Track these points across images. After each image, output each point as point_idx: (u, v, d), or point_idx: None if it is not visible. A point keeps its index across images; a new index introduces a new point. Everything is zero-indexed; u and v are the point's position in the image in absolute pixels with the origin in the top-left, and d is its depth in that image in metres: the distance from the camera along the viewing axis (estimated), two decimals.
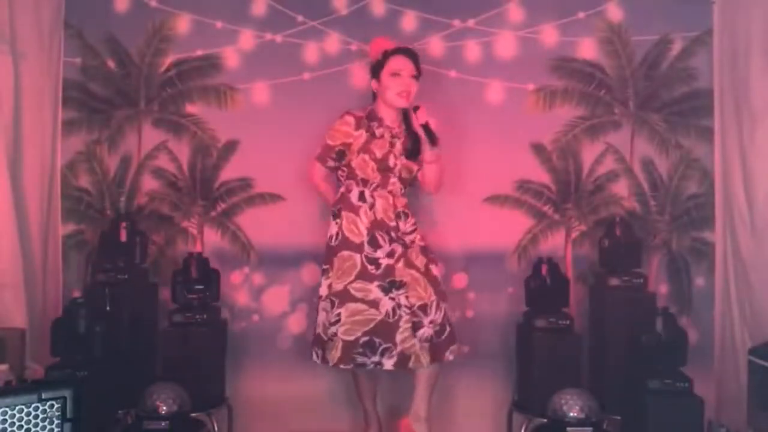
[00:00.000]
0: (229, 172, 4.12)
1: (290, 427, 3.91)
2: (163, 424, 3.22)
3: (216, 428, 3.60)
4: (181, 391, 3.32)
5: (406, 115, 3.55)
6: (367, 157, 3.47)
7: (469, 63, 4.10)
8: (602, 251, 3.89)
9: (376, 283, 3.39)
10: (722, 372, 3.84)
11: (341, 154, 3.51)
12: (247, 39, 4.11)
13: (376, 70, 3.54)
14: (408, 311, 3.36)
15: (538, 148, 4.10)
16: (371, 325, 3.36)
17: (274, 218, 4.08)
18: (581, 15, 4.08)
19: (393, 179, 3.50)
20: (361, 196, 3.49)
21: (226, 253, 4.09)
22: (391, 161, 3.49)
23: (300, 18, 4.10)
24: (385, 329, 3.35)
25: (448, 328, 3.43)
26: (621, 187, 4.11)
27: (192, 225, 4.12)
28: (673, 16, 4.05)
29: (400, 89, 3.47)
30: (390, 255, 3.43)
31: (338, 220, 3.50)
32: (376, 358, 3.35)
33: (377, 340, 3.35)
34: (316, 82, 4.07)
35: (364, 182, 3.49)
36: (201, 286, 3.77)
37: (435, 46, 4.10)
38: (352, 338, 3.35)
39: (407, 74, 3.49)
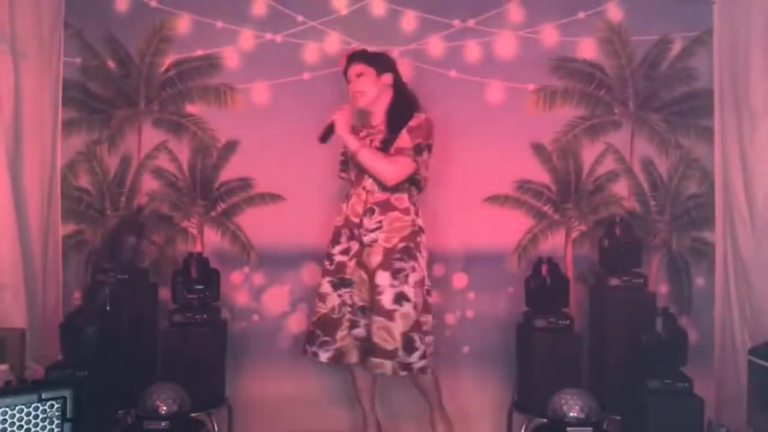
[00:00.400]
0: (229, 172, 4.12)
1: (290, 427, 3.91)
2: (163, 424, 3.22)
3: (216, 428, 3.60)
4: (181, 391, 3.31)
5: (392, 106, 3.52)
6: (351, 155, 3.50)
7: (469, 63, 4.10)
8: (602, 251, 3.89)
9: (327, 278, 3.49)
10: (722, 372, 3.84)
11: (345, 163, 3.65)
12: (247, 39, 4.11)
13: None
14: (350, 309, 3.44)
15: (538, 148, 4.10)
16: (315, 318, 3.49)
17: (274, 218, 4.08)
18: (581, 15, 4.08)
19: (366, 176, 3.47)
20: (347, 196, 3.56)
21: (226, 253, 4.09)
22: None
23: (300, 18, 4.10)
24: (328, 323, 3.45)
25: (372, 341, 3.30)
26: (621, 187, 4.11)
27: (192, 225, 4.12)
28: (673, 16, 4.04)
29: (353, 92, 3.52)
30: (344, 252, 3.47)
31: None
32: (314, 349, 3.46)
33: (318, 332, 3.46)
34: (316, 82, 4.07)
35: (350, 183, 3.58)
36: (201, 286, 3.77)
37: (435, 46, 4.09)
38: (310, 328, 3.53)
39: (353, 76, 3.52)
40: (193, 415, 3.41)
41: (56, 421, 2.74)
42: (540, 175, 4.10)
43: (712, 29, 3.98)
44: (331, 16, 4.10)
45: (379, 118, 3.54)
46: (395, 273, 3.34)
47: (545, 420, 3.35)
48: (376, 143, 3.47)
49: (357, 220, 3.45)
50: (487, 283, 4.06)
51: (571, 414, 3.23)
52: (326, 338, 3.44)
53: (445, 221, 4.01)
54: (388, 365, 3.30)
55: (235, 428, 3.83)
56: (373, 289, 3.35)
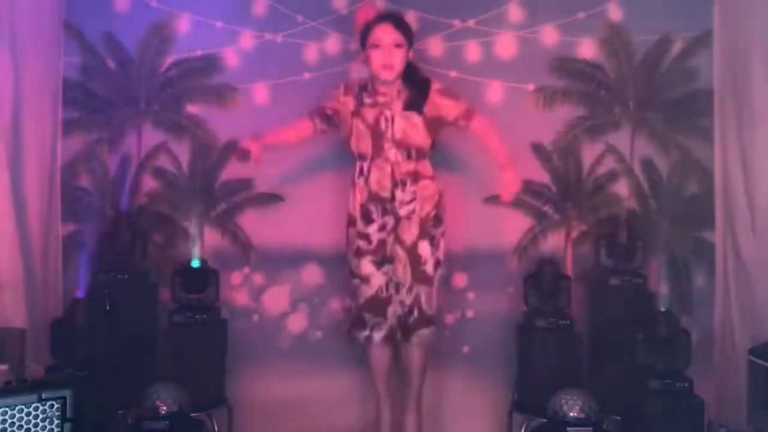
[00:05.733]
0: (229, 172, 4.12)
1: (290, 427, 3.92)
2: (163, 424, 3.22)
3: (216, 428, 3.60)
4: (181, 391, 3.31)
5: (407, 71, 3.47)
6: (361, 124, 3.44)
7: (469, 63, 4.10)
8: (602, 251, 3.89)
9: (368, 257, 3.44)
10: (722, 372, 3.84)
11: (329, 118, 3.53)
12: (247, 39, 4.11)
13: (361, 42, 3.48)
14: (395, 286, 3.44)
15: (538, 148, 4.10)
16: (361, 301, 3.44)
17: (274, 218, 4.08)
18: (581, 15, 4.08)
19: (388, 146, 3.42)
20: (360, 171, 3.48)
21: (226, 253, 4.09)
22: (383, 125, 3.42)
23: (300, 18, 4.10)
24: (376, 304, 3.42)
25: (415, 313, 3.43)
26: (621, 187, 4.10)
27: (192, 225, 4.12)
28: (673, 16, 4.04)
29: (382, 62, 3.39)
30: (382, 228, 3.43)
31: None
32: (366, 332, 3.44)
33: (366, 315, 3.43)
34: (316, 82, 4.07)
35: (362, 156, 3.47)
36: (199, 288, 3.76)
37: (435, 46, 4.09)
38: (351, 311, 3.52)
39: (388, 43, 3.38)
40: (193, 415, 3.41)
41: (56, 421, 2.74)
42: (540, 175, 4.10)
43: (712, 29, 3.98)
44: (331, 16, 4.10)
45: (393, 86, 3.46)
46: (432, 241, 3.44)
47: (545, 420, 3.35)
48: (399, 103, 3.42)
49: (387, 195, 3.41)
50: (487, 283, 4.06)
51: (571, 414, 3.23)
52: (378, 319, 3.43)
53: (445, 221, 4.01)
54: (432, 331, 3.48)
55: (235, 428, 3.83)
56: (417, 260, 3.40)
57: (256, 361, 4.03)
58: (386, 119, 3.43)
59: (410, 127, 3.44)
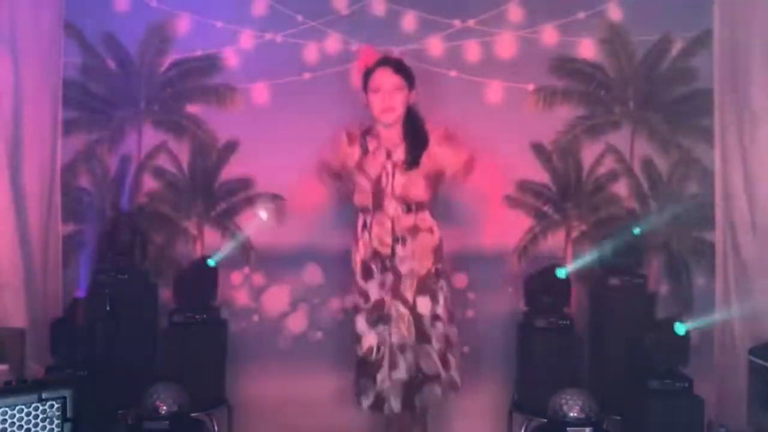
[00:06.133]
0: (229, 172, 4.12)
1: (290, 427, 3.91)
2: (163, 424, 3.22)
3: (216, 428, 3.60)
4: (181, 391, 3.31)
5: (407, 121, 3.35)
6: (363, 179, 3.31)
7: (469, 63, 4.10)
8: (602, 251, 3.89)
9: (363, 315, 3.30)
10: (722, 372, 3.84)
11: (338, 176, 3.42)
12: (247, 39, 4.11)
13: (363, 86, 3.37)
14: (389, 349, 3.23)
15: (538, 148, 4.10)
16: (355, 362, 3.32)
17: (274, 218, 4.08)
18: (581, 15, 4.08)
19: (388, 201, 3.28)
20: (364, 225, 3.34)
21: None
22: (384, 180, 3.28)
23: (300, 18, 4.10)
24: (366, 367, 3.27)
25: (420, 375, 3.22)
26: (621, 187, 4.11)
27: (192, 225, 4.12)
28: (673, 16, 4.04)
29: (382, 106, 3.29)
30: (381, 286, 3.27)
31: None
32: (357, 399, 3.31)
33: (360, 380, 3.29)
34: (316, 82, 4.07)
35: (365, 210, 3.34)
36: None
37: (435, 46, 4.10)
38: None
39: (389, 88, 3.28)
40: (193, 415, 3.41)
41: (56, 421, 2.74)
42: (540, 175, 4.10)
43: (712, 29, 3.98)
44: (331, 16, 4.10)
45: (394, 129, 3.33)
46: (432, 296, 3.27)
47: (545, 420, 3.35)
48: (399, 156, 3.29)
49: (388, 251, 3.27)
50: (487, 283, 4.06)
51: (571, 414, 3.22)
52: (366, 383, 3.26)
53: (445, 221, 4.00)
54: (438, 390, 3.24)
55: (235, 428, 3.83)
56: (418, 319, 3.24)
57: (256, 361, 4.03)
58: (387, 174, 3.30)
59: (410, 182, 3.30)
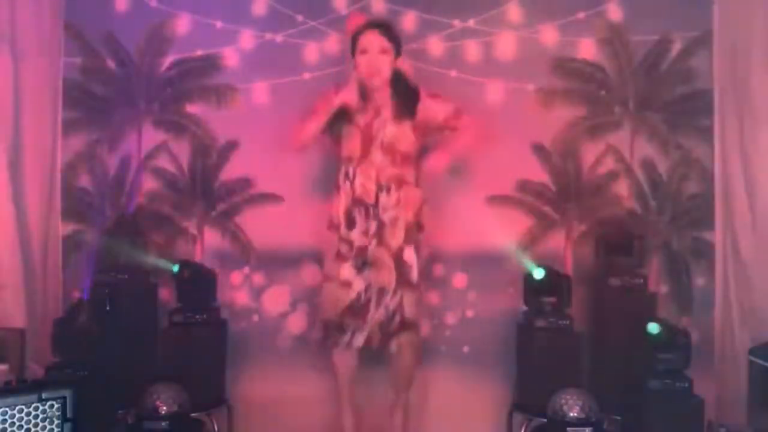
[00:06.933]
0: (229, 172, 4.12)
1: (290, 426, 3.91)
2: (163, 424, 3.22)
3: (216, 428, 3.60)
4: (181, 391, 3.31)
5: (394, 82, 3.49)
6: (352, 127, 3.45)
7: (469, 63, 4.09)
8: (602, 251, 3.89)
9: (349, 262, 3.43)
10: (722, 372, 3.84)
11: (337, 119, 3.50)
12: (247, 39, 4.11)
13: (351, 49, 3.51)
14: (375, 291, 3.41)
15: (538, 148, 4.10)
16: (342, 306, 3.43)
17: (274, 218, 4.08)
18: (581, 15, 4.08)
19: (375, 150, 3.43)
20: (346, 175, 3.47)
21: (226, 253, 4.09)
22: (374, 128, 3.44)
23: (300, 18, 4.10)
24: (356, 309, 3.41)
25: (397, 318, 3.41)
26: (621, 187, 4.10)
27: (192, 225, 4.12)
28: (673, 16, 4.04)
29: (368, 67, 3.42)
30: (364, 233, 3.42)
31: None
32: (347, 338, 3.43)
33: (347, 321, 3.42)
34: (316, 82, 4.07)
35: (349, 159, 3.47)
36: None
37: (435, 46, 4.09)
38: (326, 317, 3.47)
39: (375, 50, 3.42)
40: (193, 415, 3.41)
41: (56, 421, 2.74)
42: (540, 175, 4.10)
43: (712, 29, 3.98)
44: (331, 16, 4.10)
45: (383, 90, 3.48)
46: (417, 247, 3.44)
47: (545, 420, 3.35)
48: (387, 114, 3.44)
49: (372, 199, 3.41)
50: (487, 283, 4.06)
51: (571, 414, 3.23)
52: (358, 323, 3.41)
53: (445, 221, 4.01)
54: (414, 335, 3.45)
55: (235, 428, 3.83)
56: (402, 265, 3.39)
57: (256, 361, 4.03)
58: (378, 124, 3.45)
59: (400, 133, 3.46)
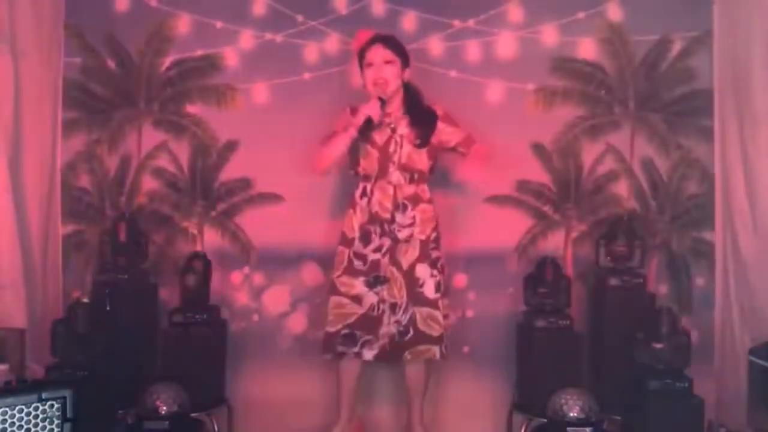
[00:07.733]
0: (229, 172, 4.12)
1: (290, 427, 3.91)
2: (163, 424, 3.22)
3: (216, 428, 3.60)
4: (181, 391, 3.32)
5: (407, 97, 3.54)
6: (369, 146, 3.47)
7: (469, 63, 4.09)
8: (602, 251, 3.89)
9: (360, 278, 3.45)
10: (722, 372, 3.84)
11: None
12: (247, 39, 4.11)
13: (359, 66, 3.56)
14: (387, 306, 3.44)
15: (538, 148, 4.10)
16: (352, 319, 3.44)
17: (274, 218, 4.08)
18: (581, 15, 4.08)
19: (392, 169, 3.47)
20: (363, 192, 3.51)
21: (226, 253, 4.09)
22: (392, 147, 3.47)
23: (300, 18, 4.09)
24: (368, 323, 3.43)
25: (411, 333, 3.44)
26: (621, 187, 4.10)
27: (192, 225, 4.12)
28: (673, 16, 4.04)
29: (374, 78, 3.46)
30: (377, 250, 3.45)
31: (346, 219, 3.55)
32: (356, 349, 3.44)
33: (357, 333, 3.44)
34: (316, 82, 4.07)
35: (367, 178, 3.50)
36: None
37: (435, 46, 4.09)
38: (333, 330, 3.46)
39: (380, 61, 3.47)
40: (193, 415, 3.41)
41: (56, 421, 2.74)
42: (540, 175, 4.10)
43: (712, 29, 3.98)
44: (331, 16, 4.10)
45: (395, 105, 3.52)
46: (433, 263, 3.47)
47: (545, 420, 3.35)
48: (404, 129, 3.48)
49: (388, 216, 3.46)
50: (487, 283, 4.06)
51: (571, 414, 3.23)
52: (369, 337, 3.43)
53: (446, 221, 4.00)
54: (436, 350, 3.45)
55: (235, 428, 3.83)
56: (414, 282, 3.43)
57: (256, 361, 4.03)
58: (396, 142, 3.49)
59: (415, 153, 3.50)
